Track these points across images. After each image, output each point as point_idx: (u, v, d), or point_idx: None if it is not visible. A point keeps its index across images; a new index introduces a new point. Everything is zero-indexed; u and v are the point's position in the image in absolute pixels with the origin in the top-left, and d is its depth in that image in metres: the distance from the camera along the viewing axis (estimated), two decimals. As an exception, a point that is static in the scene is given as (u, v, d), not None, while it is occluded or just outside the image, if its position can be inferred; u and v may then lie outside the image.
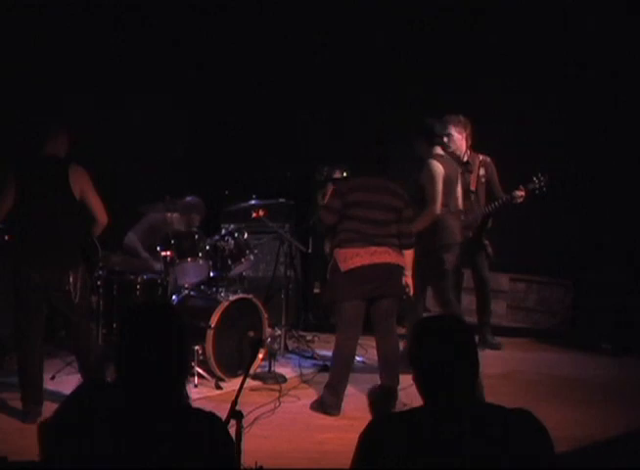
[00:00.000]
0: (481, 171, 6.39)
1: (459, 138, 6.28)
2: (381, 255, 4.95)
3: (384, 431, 2.20)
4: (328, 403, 4.94)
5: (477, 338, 6.60)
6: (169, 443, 2.10)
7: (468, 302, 6.75)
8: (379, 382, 5.12)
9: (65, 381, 5.24)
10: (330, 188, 5.68)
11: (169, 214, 6.07)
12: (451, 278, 6.81)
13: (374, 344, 5.29)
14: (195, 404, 5.12)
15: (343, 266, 4.93)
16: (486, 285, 6.58)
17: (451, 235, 5.66)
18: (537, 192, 6.24)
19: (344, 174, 7.37)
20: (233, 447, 2.27)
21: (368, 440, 2.20)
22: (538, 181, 6.24)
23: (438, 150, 5.61)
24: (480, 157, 6.40)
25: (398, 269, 5.06)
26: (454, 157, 6.33)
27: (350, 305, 4.97)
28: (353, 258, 4.92)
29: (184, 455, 2.08)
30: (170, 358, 2.16)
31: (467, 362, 2.20)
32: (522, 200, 6.25)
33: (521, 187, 6.25)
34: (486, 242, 6.51)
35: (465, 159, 6.35)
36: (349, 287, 4.94)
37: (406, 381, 5.16)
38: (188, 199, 6.26)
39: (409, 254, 5.20)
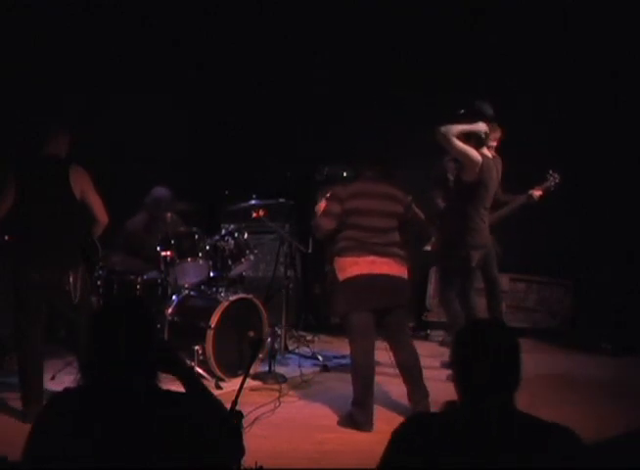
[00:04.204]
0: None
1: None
2: (381, 265, 4.78)
3: (415, 430, 2.20)
4: (359, 421, 4.70)
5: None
6: (155, 427, 2.16)
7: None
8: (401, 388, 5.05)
9: (65, 381, 5.23)
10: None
11: (169, 215, 6.11)
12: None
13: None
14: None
15: (341, 275, 4.80)
16: (496, 285, 6.60)
17: (481, 236, 5.58)
18: (553, 189, 6.26)
19: (345, 174, 7.38)
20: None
21: (399, 437, 2.20)
22: (553, 178, 6.26)
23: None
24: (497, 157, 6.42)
25: (401, 282, 4.89)
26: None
27: (357, 316, 4.80)
28: (352, 266, 4.77)
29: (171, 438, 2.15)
30: (141, 349, 2.24)
31: (509, 371, 2.19)
32: (538, 199, 6.27)
33: (537, 187, 6.26)
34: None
35: None
36: (349, 297, 4.79)
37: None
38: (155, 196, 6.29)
39: None
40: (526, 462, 2.07)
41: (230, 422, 2.39)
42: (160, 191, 6.33)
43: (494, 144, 6.13)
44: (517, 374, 2.20)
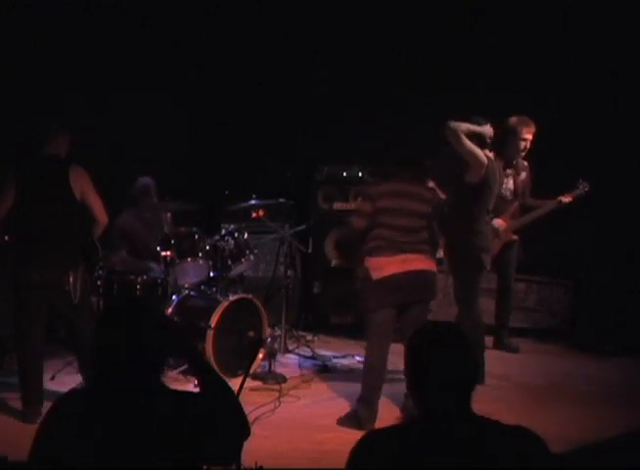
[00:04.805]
0: (523, 175, 6.42)
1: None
2: (412, 262, 4.81)
3: (375, 445, 2.15)
4: (362, 417, 4.69)
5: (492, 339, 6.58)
6: (159, 425, 2.15)
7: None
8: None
9: (65, 381, 5.24)
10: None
11: (168, 215, 6.11)
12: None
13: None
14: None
15: (376, 275, 4.79)
16: (510, 289, 6.60)
17: (487, 239, 5.53)
18: (582, 197, 6.36)
19: (344, 174, 7.39)
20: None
21: (359, 454, 2.15)
22: (582, 187, 6.36)
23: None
24: (524, 162, 6.42)
25: (432, 275, 4.93)
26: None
27: (381, 313, 4.81)
28: (387, 266, 4.78)
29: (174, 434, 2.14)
30: (143, 350, 2.22)
31: (464, 376, 2.14)
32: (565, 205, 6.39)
33: (567, 195, 6.35)
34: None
35: (514, 161, 6.30)
36: (381, 296, 4.79)
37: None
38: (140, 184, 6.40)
39: None
40: (488, 465, 2.04)
41: (238, 416, 2.38)
42: (145, 179, 6.46)
43: (529, 137, 6.10)
44: (473, 377, 2.17)
